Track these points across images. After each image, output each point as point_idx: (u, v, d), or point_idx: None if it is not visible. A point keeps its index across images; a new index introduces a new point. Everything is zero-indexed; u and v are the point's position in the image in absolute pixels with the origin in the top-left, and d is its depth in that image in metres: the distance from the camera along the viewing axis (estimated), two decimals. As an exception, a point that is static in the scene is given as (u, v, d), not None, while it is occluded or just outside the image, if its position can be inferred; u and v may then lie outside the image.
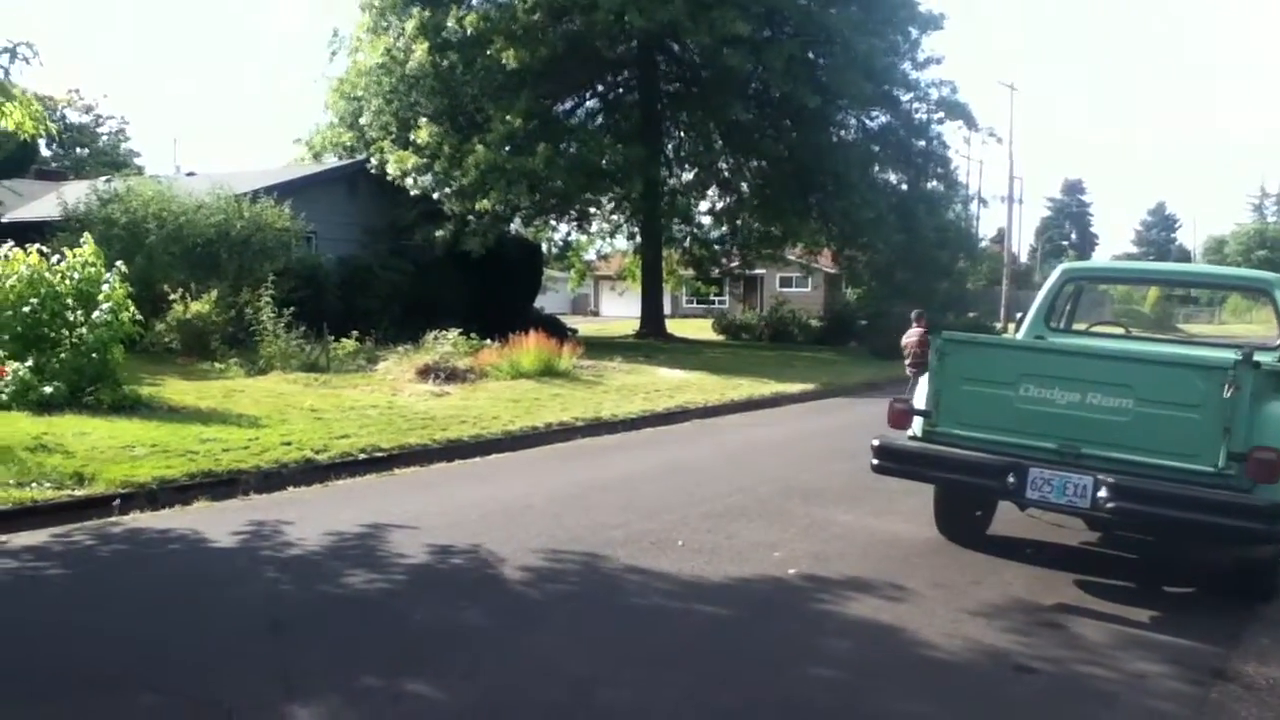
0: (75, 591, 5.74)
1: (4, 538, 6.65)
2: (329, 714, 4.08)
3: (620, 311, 48.57)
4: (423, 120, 22.30)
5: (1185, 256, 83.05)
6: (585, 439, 12.14)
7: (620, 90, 28.10)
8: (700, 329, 34.50)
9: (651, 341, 26.80)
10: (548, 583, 6.00)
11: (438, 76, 22.56)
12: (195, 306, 16.48)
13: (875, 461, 6.40)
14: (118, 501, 7.66)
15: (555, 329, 22.81)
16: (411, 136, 22.30)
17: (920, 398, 6.47)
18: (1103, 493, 5.54)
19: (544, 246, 29.67)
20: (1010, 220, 46.69)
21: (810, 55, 23.92)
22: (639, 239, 29.51)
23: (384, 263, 22.40)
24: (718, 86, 24.58)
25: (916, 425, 6.35)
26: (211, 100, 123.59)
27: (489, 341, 17.64)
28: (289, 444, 9.83)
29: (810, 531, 7.30)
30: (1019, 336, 7.77)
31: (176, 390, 12.76)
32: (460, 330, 17.80)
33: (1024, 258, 64.55)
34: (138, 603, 5.55)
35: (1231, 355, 5.57)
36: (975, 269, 39.10)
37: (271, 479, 8.88)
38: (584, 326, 32.11)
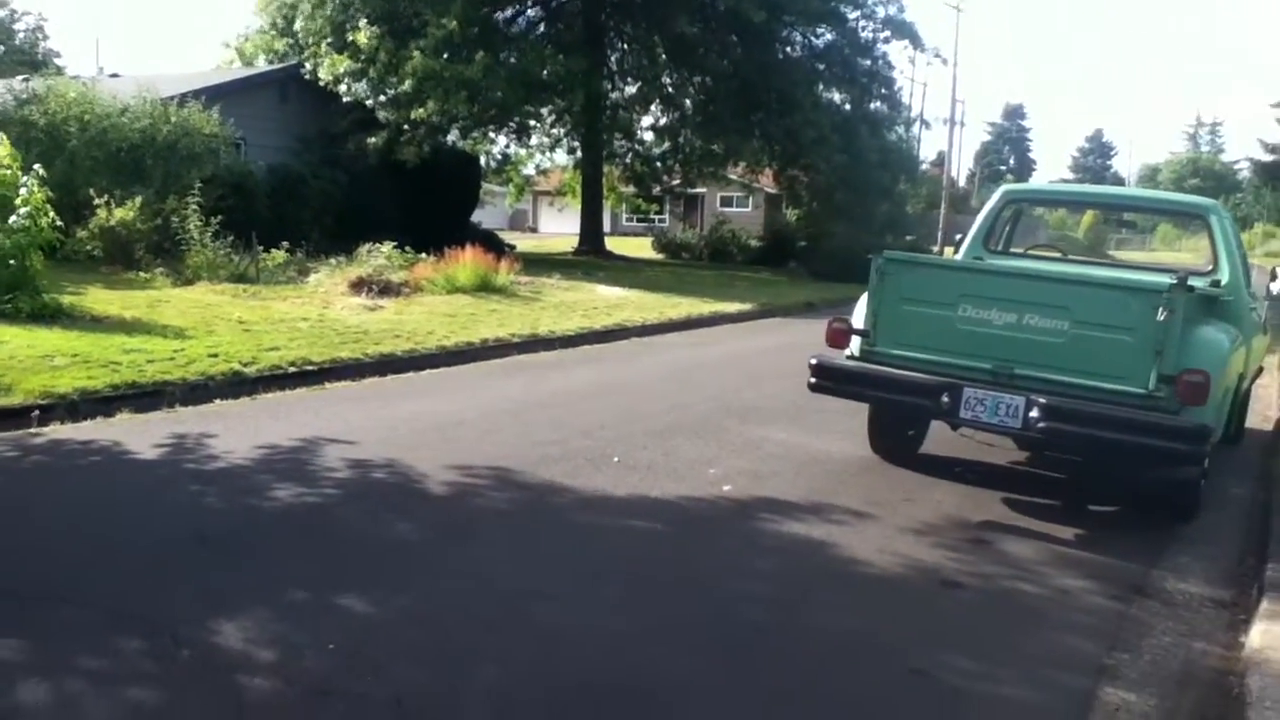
0: (-10, 504, 5.57)
1: (-86, 448, 6.42)
2: (256, 627, 3.99)
3: (559, 228, 48.03)
4: (362, 21, 21.39)
5: (1120, 183, 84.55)
6: (522, 355, 12.03)
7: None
8: (640, 247, 34.26)
9: (590, 259, 26.55)
10: (480, 498, 5.95)
11: (373, -24, 21.62)
12: (119, 214, 15.88)
13: (812, 380, 6.39)
14: (36, 413, 7.40)
15: (492, 244, 22.49)
16: (349, 38, 21.43)
17: (859, 316, 6.46)
18: (1034, 413, 5.60)
19: (482, 159, 29.01)
20: (951, 143, 46.87)
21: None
22: (579, 154, 29.00)
23: (316, 172, 21.75)
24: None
25: (854, 345, 6.33)
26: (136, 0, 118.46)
27: (424, 255, 17.32)
28: (216, 356, 9.61)
29: (746, 449, 7.31)
30: (958, 258, 7.76)
31: (99, 299, 12.37)
32: (395, 243, 17.43)
33: (962, 182, 64.97)
34: (55, 515, 5.40)
35: (1166, 279, 5.61)
36: (915, 191, 39.21)
37: (197, 391, 8.67)
38: (522, 243, 31.73)
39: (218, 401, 8.50)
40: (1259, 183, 67.80)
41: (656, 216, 51.31)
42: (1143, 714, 3.77)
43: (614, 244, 31.48)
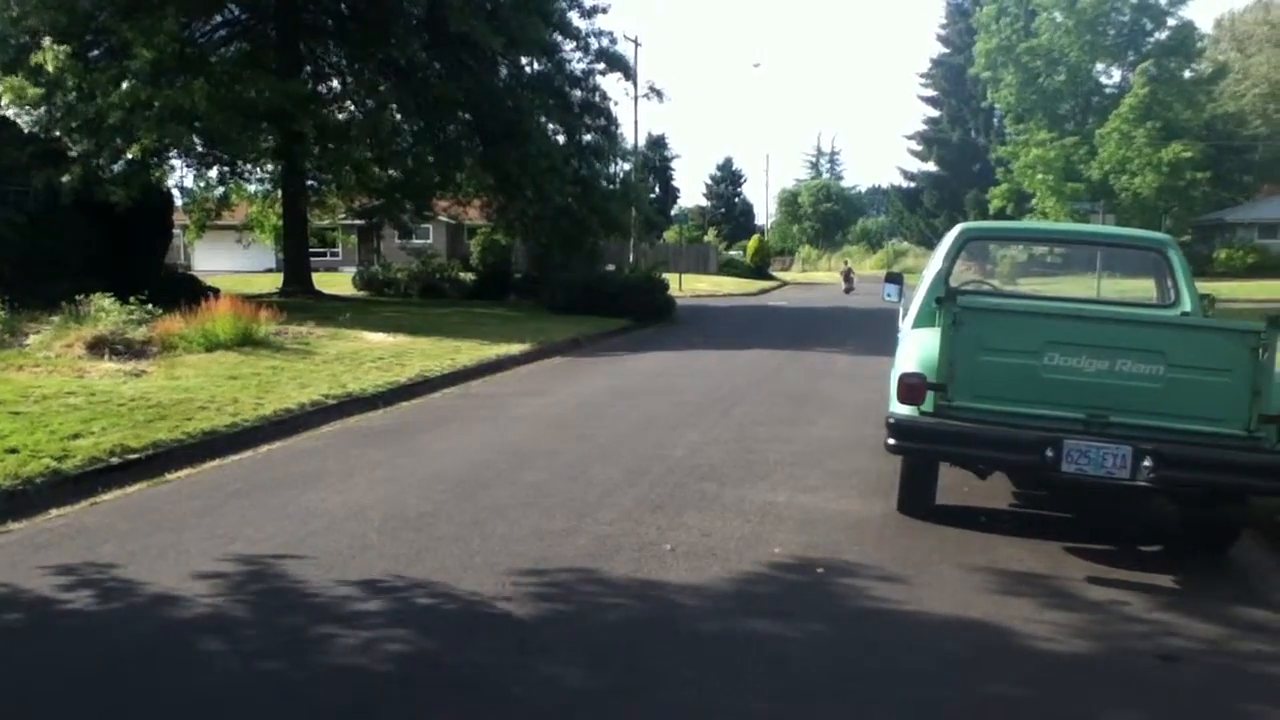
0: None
1: None
2: None
3: (215, 265, 44.29)
4: (46, 40, 17.99)
5: (749, 208, 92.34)
6: (350, 420, 10.64)
7: (258, 18, 24.68)
8: (338, 284, 32.00)
9: (305, 300, 24.28)
10: (580, 615, 4.87)
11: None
12: None
13: (891, 441, 5.86)
14: None
15: (198, 288, 20.11)
16: (33, 60, 17.96)
17: (913, 363, 6.00)
18: (1146, 462, 5.40)
19: (176, 195, 25.72)
20: (632, 174, 47.74)
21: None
22: (278, 186, 26.51)
23: (-16, 212, 18.30)
24: (373, 21, 22.51)
25: (927, 400, 5.85)
26: None
27: (150, 307, 14.82)
28: (14, 451, 7.68)
29: (770, 519, 6.59)
30: (919, 299, 7.49)
31: None
32: (113, 295, 14.85)
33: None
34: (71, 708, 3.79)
35: (1257, 322, 5.60)
36: (653, 221, 39.43)
37: (20, 500, 6.93)
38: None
39: (54, 512, 6.83)
40: (900, 206, 76.34)
41: (329, 251, 48.69)
42: None
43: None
